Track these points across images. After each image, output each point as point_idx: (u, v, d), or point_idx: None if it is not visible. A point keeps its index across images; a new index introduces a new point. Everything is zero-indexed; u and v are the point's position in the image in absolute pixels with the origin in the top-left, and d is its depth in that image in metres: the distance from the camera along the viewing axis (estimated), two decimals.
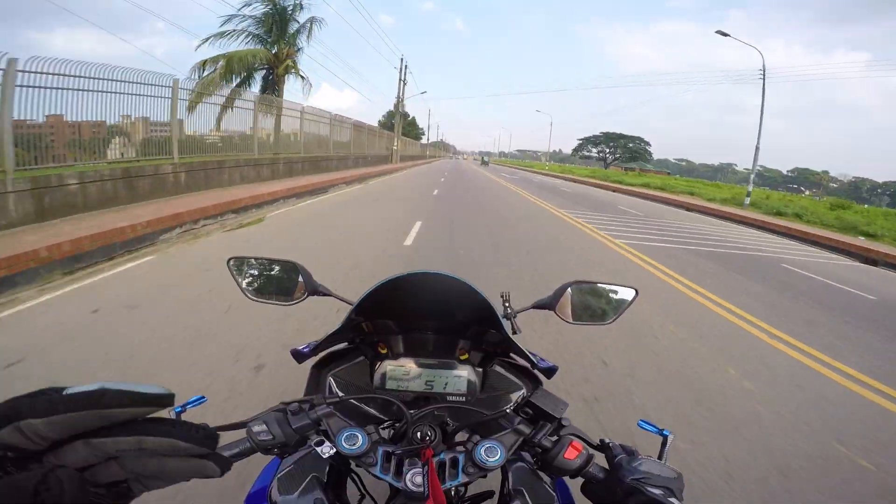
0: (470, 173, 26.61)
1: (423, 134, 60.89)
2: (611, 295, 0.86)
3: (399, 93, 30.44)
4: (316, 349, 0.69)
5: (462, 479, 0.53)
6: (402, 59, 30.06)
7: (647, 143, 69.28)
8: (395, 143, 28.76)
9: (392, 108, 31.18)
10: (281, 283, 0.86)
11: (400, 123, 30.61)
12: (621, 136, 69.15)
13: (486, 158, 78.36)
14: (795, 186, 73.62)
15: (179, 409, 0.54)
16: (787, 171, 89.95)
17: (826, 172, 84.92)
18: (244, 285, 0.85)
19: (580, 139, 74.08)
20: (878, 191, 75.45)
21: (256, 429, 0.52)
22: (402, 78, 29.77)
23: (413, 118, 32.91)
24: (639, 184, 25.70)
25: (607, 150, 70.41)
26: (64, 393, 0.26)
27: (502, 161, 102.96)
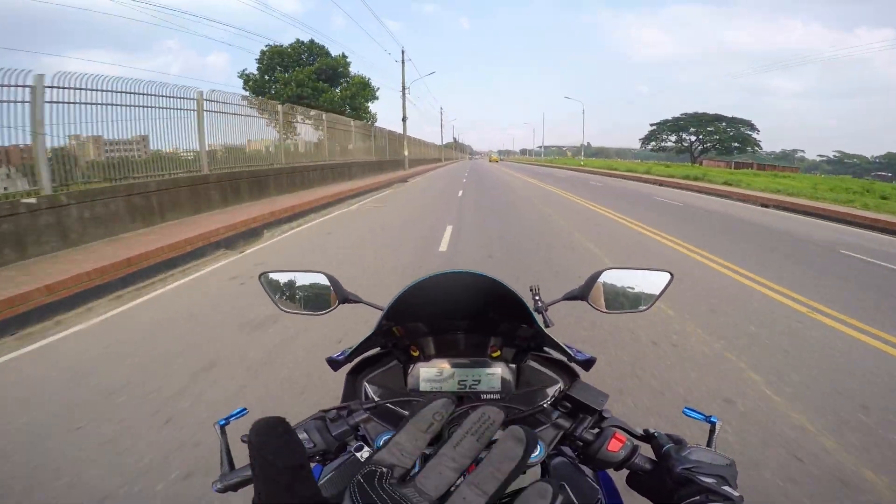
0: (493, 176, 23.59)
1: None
2: (644, 280, 0.85)
3: (403, 81, 27.47)
4: (350, 356, 0.70)
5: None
6: (402, 52, 28.12)
7: (753, 127, 49.48)
8: (405, 148, 25.68)
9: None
10: (312, 293, 0.88)
11: (406, 122, 27.61)
12: (717, 118, 50.43)
13: (500, 157, 79.96)
14: (886, 174, 58.16)
15: (223, 421, 0.57)
16: (874, 157, 76.20)
17: None
18: (276, 298, 0.87)
19: (653, 125, 56.37)
20: None
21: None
22: (403, 70, 27.39)
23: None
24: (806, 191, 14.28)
25: (694, 139, 53.04)
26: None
27: (520, 159, 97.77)
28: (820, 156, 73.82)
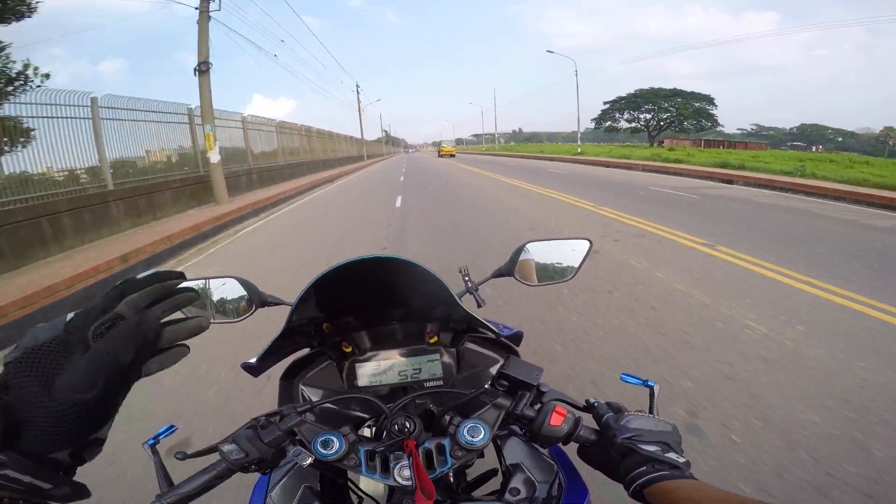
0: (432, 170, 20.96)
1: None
2: (565, 249, 0.86)
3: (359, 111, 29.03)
4: (264, 358, 0.68)
5: (452, 463, 0.55)
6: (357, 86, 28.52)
7: (712, 102, 45.51)
8: (357, 146, 23.96)
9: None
10: (226, 300, 0.83)
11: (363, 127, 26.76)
12: (675, 94, 45.69)
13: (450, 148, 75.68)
14: (801, 144, 59.80)
15: (152, 441, 0.56)
16: (790, 128, 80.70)
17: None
18: (187, 308, 0.76)
19: (606, 103, 51.76)
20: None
21: (227, 448, 0.53)
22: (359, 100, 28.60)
23: None
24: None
25: (649, 117, 48.57)
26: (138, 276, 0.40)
27: (466, 149, 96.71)
28: (739, 129, 79.80)
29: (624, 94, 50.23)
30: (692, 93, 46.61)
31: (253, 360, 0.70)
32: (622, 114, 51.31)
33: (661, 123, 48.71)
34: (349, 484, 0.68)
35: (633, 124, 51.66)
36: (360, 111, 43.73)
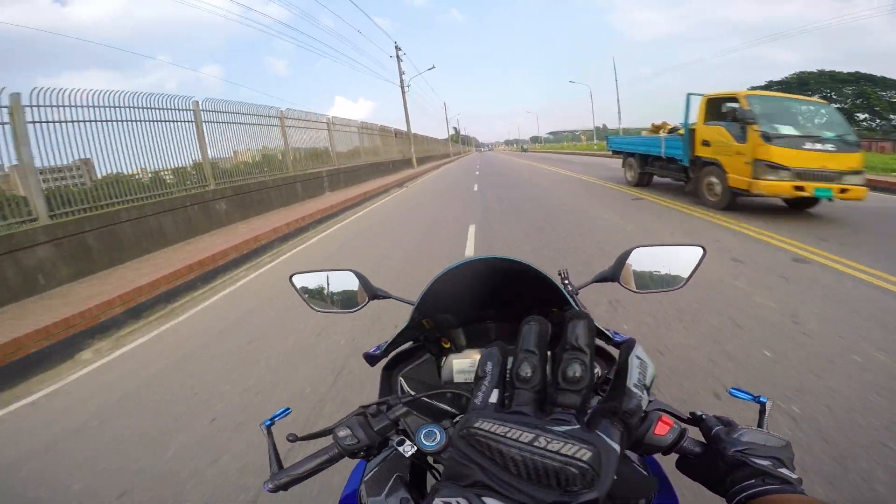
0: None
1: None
2: (675, 256, 0.84)
3: (400, 77, 27.08)
4: (386, 350, 0.71)
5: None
6: (396, 47, 27.99)
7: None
8: (411, 147, 24.72)
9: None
10: (342, 291, 0.89)
11: (408, 114, 27.34)
12: (859, 79, 31.29)
13: (525, 146, 71.48)
14: None
15: (269, 422, 0.60)
16: None
17: None
18: (307, 298, 0.90)
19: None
20: None
21: (342, 434, 0.56)
22: (399, 65, 26.95)
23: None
24: None
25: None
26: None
27: (533, 147, 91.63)
28: None
29: (779, 79, 35.18)
30: (883, 78, 30.93)
31: (372, 350, 0.74)
32: None
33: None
34: (435, 476, 0.68)
35: None
36: (446, 120, 45.72)
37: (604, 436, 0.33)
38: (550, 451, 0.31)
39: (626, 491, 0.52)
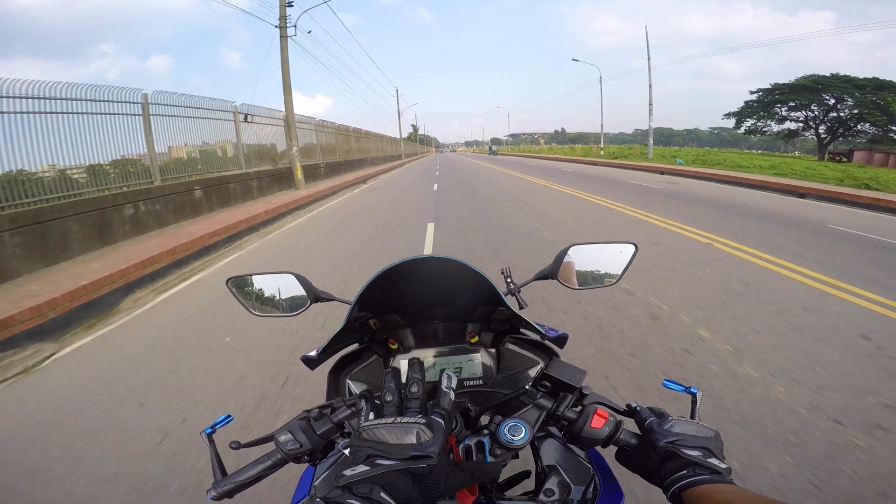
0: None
1: None
2: (610, 253, 0.86)
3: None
4: (324, 352, 0.70)
5: (490, 461, 0.57)
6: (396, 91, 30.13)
7: None
8: (393, 145, 25.63)
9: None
10: (283, 295, 0.87)
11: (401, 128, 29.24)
12: (881, 86, 28.59)
13: (493, 148, 61.19)
14: None
15: (209, 430, 0.59)
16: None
17: None
18: (246, 303, 0.87)
19: (754, 93, 35.26)
20: None
21: (283, 438, 0.56)
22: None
23: None
24: None
25: (817, 114, 31.96)
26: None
27: (512, 150, 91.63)
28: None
29: (785, 82, 33.53)
30: (891, 82, 28.59)
31: (312, 353, 0.73)
32: (779, 109, 34.19)
33: (843, 126, 31.50)
34: None
35: (789, 125, 34.98)
36: (398, 113, 45.63)
37: (435, 417, 0.51)
38: (403, 421, 0.48)
39: (567, 477, 0.63)
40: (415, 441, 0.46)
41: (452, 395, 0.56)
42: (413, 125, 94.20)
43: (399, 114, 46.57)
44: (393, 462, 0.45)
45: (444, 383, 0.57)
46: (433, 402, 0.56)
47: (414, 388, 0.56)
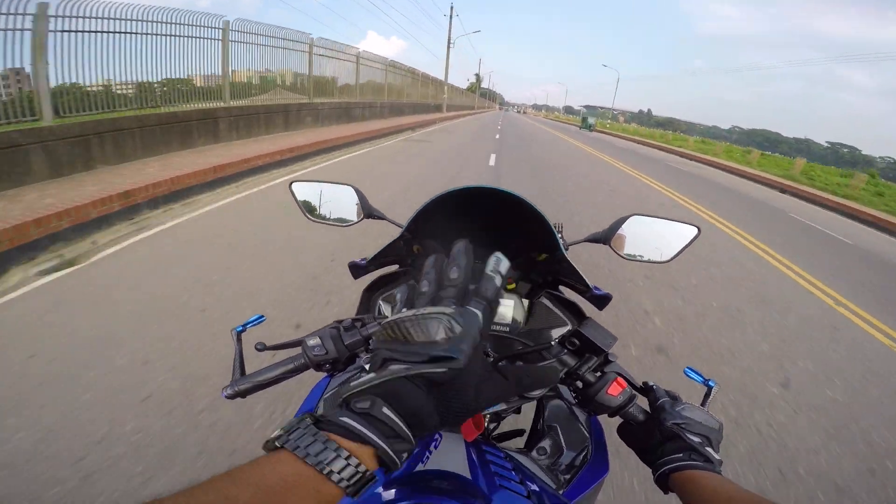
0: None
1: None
2: (670, 231, 0.84)
3: (448, 34, 29.99)
4: (370, 262, 0.72)
5: (502, 406, 0.61)
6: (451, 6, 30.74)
7: None
8: (445, 92, 27.66)
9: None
10: (339, 205, 0.89)
11: (448, 65, 30.35)
12: None
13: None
14: None
15: (240, 328, 0.60)
16: None
17: None
18: (304, 207, 0.90)
19: None
20: None
21: (311, 343, 0.57)
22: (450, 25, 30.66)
23: None
24: None
25: None
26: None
27: (563, 119, 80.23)
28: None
29: None
30: None
31: (359, 260, 0.74)
32: None
33: None
34: None
35: None
36: (478, 79, 45.65)
37: (471, 308, 0.40)
38: (426, 312, 0.37)
39: (563, 440, 0.65)
40: (439, 338, 0.37)
41: (499, 281, 0.43)
42: (476, 74, 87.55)
43: (449, 43, 33.86)
44: (402, 366, 0.36)
45: (491, 266, 0.44)
46: (474, 288, 0.43)
47: (453, 274, 0.44)
